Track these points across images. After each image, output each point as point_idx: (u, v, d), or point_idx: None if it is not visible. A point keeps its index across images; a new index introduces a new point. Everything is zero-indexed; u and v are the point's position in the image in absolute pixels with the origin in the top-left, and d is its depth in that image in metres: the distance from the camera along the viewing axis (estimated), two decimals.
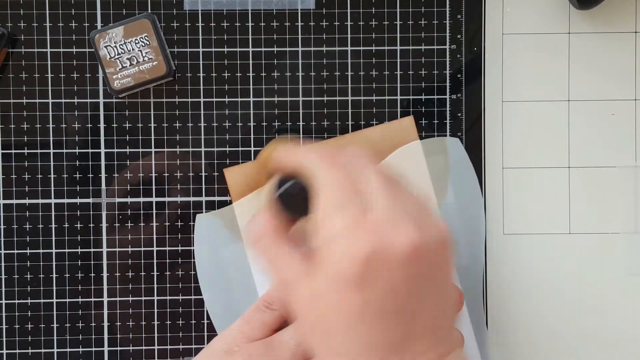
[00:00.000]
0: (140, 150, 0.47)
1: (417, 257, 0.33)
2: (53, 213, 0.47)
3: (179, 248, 0.47)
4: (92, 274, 0.47)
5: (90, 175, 0.47)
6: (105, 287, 0.47)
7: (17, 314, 0.47)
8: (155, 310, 0.47)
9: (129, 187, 0.47)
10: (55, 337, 0.47)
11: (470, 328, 0.46)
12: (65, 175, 0.47)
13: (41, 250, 0.47)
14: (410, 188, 0.36)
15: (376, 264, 0.32)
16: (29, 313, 0.47)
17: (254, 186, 0.46)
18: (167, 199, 0.47)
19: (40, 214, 0.47)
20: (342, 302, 0.33)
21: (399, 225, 0.33)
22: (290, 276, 0.35)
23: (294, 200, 0.37)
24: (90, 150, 0.47)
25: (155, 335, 0.47)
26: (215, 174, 0.47)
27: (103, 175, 0.47)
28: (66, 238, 0.47)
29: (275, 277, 0.37)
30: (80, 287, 0.47)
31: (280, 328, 0.42)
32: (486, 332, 0.47)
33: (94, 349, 0.47)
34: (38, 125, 0.47)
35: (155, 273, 0.47)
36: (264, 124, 0.47)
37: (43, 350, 0.47)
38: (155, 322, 0.47)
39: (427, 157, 0.46)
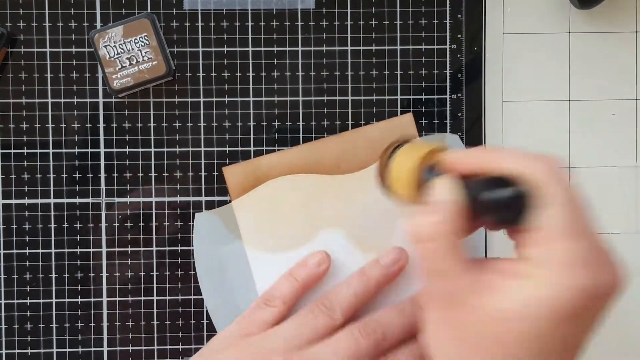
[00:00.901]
0: (140, 150, 0.47)
1: (614, 298, 0.32)
2: (52, 213, 0.46)
3: (179, 248, 0.47)
4: (92, 274, 0.47)
5: (90, 175, 0.47)
6: (104, 287, 0.47)
7: (16, 314, 0.46)
8: (155, 310, 0.47)
9: (128, 187, 0.47)
10: (54, 337, 0.47)
11: None
12: (64, 175, 0.46)
13: (40, 250, 0.46)
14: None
15: (591, 302, 0.31)
16: (28, 313, 0.47)
17: (253, 184, 0.46)
18: (166, 199, 0.47)
19: (40, 213, 0.46)
20: (545, 333, 0.31)
21: (609, 264, 0.32)
22: (459, 289, 0.32)
23: (504, 205, 0.32)
24: (89, 150, 0.47)
25: (155, 335, 0.47)
26: (215, 173, 0.47)
27: (102, 175, 0.47)
28: (65, 238, 0.46)
29: (434, 285, 0.34)
30: (79, 287, 0.47)
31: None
32: None
33: (93, 349, 0.47)
34: (37, 125, 0.46)
35: (154, 273, 0.47)
36: (264, 123, 0.47)
37: (42, 351, 0.46)
38: (155, 322, 0.47)
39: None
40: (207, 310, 0.46)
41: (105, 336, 0.47)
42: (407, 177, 0.37)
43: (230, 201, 0.46)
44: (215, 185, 0.47)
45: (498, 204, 0.32)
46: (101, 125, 0.47)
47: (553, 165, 0.33)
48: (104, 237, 0.47)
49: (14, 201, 0.46)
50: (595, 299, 0.31)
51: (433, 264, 0.34)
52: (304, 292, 0.44)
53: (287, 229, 0.46)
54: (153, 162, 0.47)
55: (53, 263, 0.46)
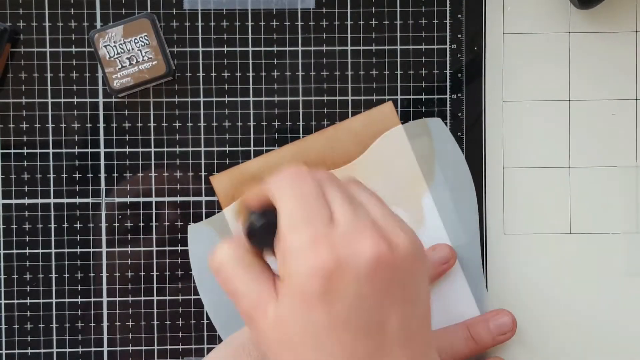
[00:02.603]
0: (140, 150, 0.47)
1: (382, 267, 0.32)
2: (52, 213, 0.46)
3: (179, 248, 0.47)
4: (92, 274, 0.47)
5: (90, 175, 0.46)
6: (104, 287, 0.47)
7: (16, 314, 0.46)
8: (155, 310, 0.47)
9: (128, 187, 0.47)
10: (54, 337, 0.47)
11: (475, 307, 0.46)
12: (64, 175, 0.46)
13: (40, 250, 0.46)
14: (375, 195, 0.36)
15: (340, 278, 0.32)
16: (28, 313, 0.47)
17: (242, 190, 0.46)
18: (166, 199, 0.47)
19: (40, 213, 0.46)
20: (310, 320, 0.32)
21: (363, 237, 0.32)
22: (253, 304, 0.34)
23: (265, 232, 0.35)
24: (89, 150, 0.47)
25: (155, 335, 0.47)
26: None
27: (102, 175, 0.47)
28: (65, 238, 0.46)
29: (238, 308, 0.36)
30: (79, 287, 0.47)
31: None
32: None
33: (93, 349, 0.47)
34: (37, 125, 0.46)
35: (154, 273, 0.47)
36: (264, 123, 0.47)
37: (42, 351, 0.46)
38: (155, 322, 0.47)
39: (411, 140, 0.46)
40: (206, 310, 0.46)
41: (105, 336, 0.47)
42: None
43: (220, 209, 0.46)
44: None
45: (253, 232, 0.35)
46: (101, 125, 0.47)
47: (285, 175, 0.35)
48: (104, 237, 0.47)
49: (14, 201, 0.46)
50: (336, 275, 0.32)
51: (228, 286, 0.35)
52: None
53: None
54: (153, 162, 0.47)
55: (53, 263, 0.46)
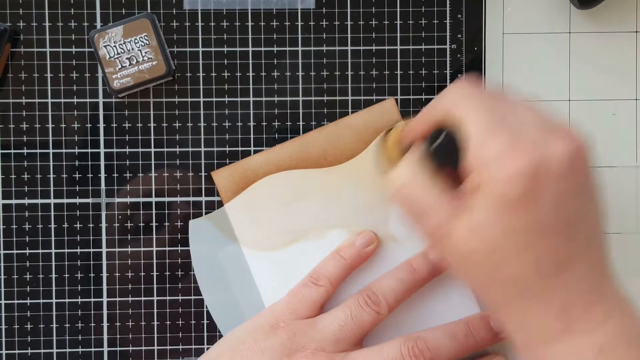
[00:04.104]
0: (140, 150, 0.47)
1: (576, 165, 0.33)
2: (52, 213, 0.46)
3: (179, 248, 0.47)
4: (92, 274, 0.47)
5: (90, 175, 0.46)
6: (104, 287, 0.47)
7: (16, 314, 0.46)
8: (155, 310, 0.47)
9: (128, 187, 0.47)
10: (54, 338, 0.47)
11: (475, 305, 0.46)
12: (64, 175, 0.46)
13: (40, 251, 0.46)
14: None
15: (541, 179, 0.32)
16: (28, 313, 0.47)
17: (243, 186, 0.46)
18: (166, 199, 0.47)
19: (40, 214, 0.46)
20: (511, 226, 0.33)
21: (552, 137, 0.33)
22: (441, 221, 0.35)
23: (448, 151, 0.36)
24: (89, 150, 0.47)
25: (155, 335, 0.47)
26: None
27: (102, 175, 0.47)
28: (65, 238, 0.46)
29: (424, 229, 0.36)
30: (79, 288, 0.47)
31: (328, 305, 0.43)
32: None
33: (93, 349, 0.47)
34: (37, 125, 0.46)
35: (154, 273, 0.47)
36: (264, 123, 0.47)
37: (42, 351, 0.46)
38: (155, 322, 0.47)
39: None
40: (207, 310, 0.47)
41: (105, 336, 0.47)
42: (393, 158, 0.43)
43: (221, 204, 0.46)
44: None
45: (440, 152, 0.36)
46: (101, 125, 0.47)
47: (463, 93, 0.36)
48: (104, 237, 0.47)
49: (14, 201, 0.46)
50: (538, 177, 0.32)
51: (413, 206, 0.36)
52: (351, 271, 0.45)
53: (281, 226, 0.46)
54: (153, 162, 0.47)
55: (53, 263, 0.46)
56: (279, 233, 0.46)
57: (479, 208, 0.33)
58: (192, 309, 0.47)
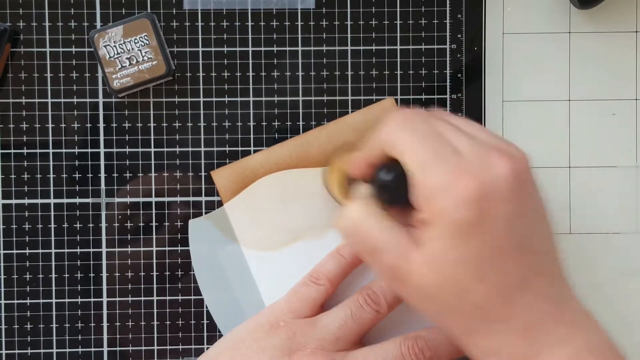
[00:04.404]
0: (140, 150, 0.47)
1: (520, 183, 0.33)
2: (52, 213, 0.46)
3: (179, 248, 0.47)
4: (92, 274, 0.47)
5: (90, 175, 0.46)
6: (104, 287, 0.47)
7: (16, 314, 0.46)
8: (155, 310, 0.47)
9: (128, 187, 0.47)
10: (54, 338, 0.47)
11: None
12: (64, 175, 0.46)
13: (40, 251, 0.46)
14: (468, 120, 0.37)
15: (486, 203, 0.32)
16: (28, 313, 0.46)
17: (242, 185, 0.46)
18: (166, 199, 0.47)
19: (40, 214, 0.46)
20: (464, 253, 0.33)
21: (492, 159, 0.33)
22: (395, 258, 0.35)
23: (395, 186, 0.35)
24: (89, 150, 0.47)
25: (155, 335, 0.47)
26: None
27: (102, 175, 0.47)
28: (65, 238, 0.46)
29: (378, 267, 0.36)
30: (79, 287, 0.47)
31: (328, 304, 0.43)
32: None
33: (93, 349, 0.47)
34: (37, 125, 0.46)
35: (154, 273, 0.47)
36: (264, 123, 0.47)
37: (42, 351, 0.46)
38: (155, 322, 0.47)
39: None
40: (207, 310, 0.46)
41: (105, 336, 0.47)
42: (338, 190, 0.44)
43: (221, 202, 0.46)
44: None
45: (385, 189, 0.36)
46: (101, 125, 0.47)
47: (398, 121, 0.35)
48: (104, 237, 0.47)
49: (14, 201, 0.46)
50: (485, 199, 0.32)
51: (366, 244, 0.36)
52: (351, 270, 0.45)
53: (281, 225, 0.46)
54: (153, 162, 0.47)
55: (53, 263, 0.46)
56: (278, 232, 0.46)
57: (431, 240, 0.33)
58: (192, 309, 0.47)
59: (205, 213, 0.46)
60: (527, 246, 0.34)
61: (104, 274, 0.47)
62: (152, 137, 0.47)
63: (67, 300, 0.47)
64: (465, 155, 0.33)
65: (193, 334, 0.47)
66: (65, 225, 0.46)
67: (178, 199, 0.47)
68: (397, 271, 0.35)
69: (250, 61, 0.47)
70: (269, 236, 0.46)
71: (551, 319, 0.34)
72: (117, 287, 0.47)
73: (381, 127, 0.36)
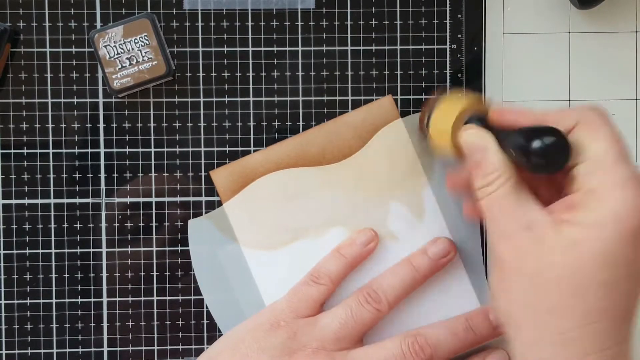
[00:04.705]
0: (140, 150, 0.47)
1: None
2: (52, 213, 0.46)
3: (179, 248, 0.47)
4: (92, 274, 0.47)
5: (90, 175, 0.46)
6: (104, 287, 0.47)
7: (16, 314, 0.46)
8: (155, 311, 0.47)
9: (128, 187, 0.47)
10: (54, 338, 0.47)
11: (475, 300, 0.46)
12: (64, 175, 0.46)
13: (40, 251, 0.46)
14: None
15: None
16: (28, 313, 0.46)
17: (242, 185, 0.46)
18: (166, 199, 0.47)
19: (40, 214, 0.46)
20: (618, 254, 0.31)
21: None
22: (532, 220, 0.33)
23: (549, 154, 0.34)
24: (89, 150, 0.47)
25: (155, 335, 0.47)
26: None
27: (102, 175, 0.47)
28: (65, 238, 0.46)
29: (494, 240, 0.35)
30: (79, 288, 0.47)
31: (328, 303, 0.43)
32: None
33: (93, 349, 0.47)
34: (37, 125, 0.46)
35: (154, 273, 0.47)
36: (264, 123, 0.47)
37: (42, 351, 0.46)
38: (155, 322, 0.47)
39: (411, 133, 0.46)
40: (207, 310, 0.46)
41: (105, 336, 0.47)
42: (448, 128, 0.39)
43: (220, 202, 0.46)
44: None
45: (545, 151, 0.34)
46: (101, 125, 0.47)
47: (591, 111, 0.35)
48: (104, 237, 0.47)
49: (14, 201, 0.46)
50: None
51: (503, 222, 0.34)
52: (351, 270, 0.45)
53: (281, 225, 0.46)
54: (153, 162, 0.47)
55: (53, 263, 0.46)
56: (278, 232, 0.46)
57: (589, 227, 0.32)
58: (192, 309, 0.47)
59: (205, 213, 0.46)
60: None
61: (104, 274, 0.47)
62: (152, 137, 0.47)
63: (67, 300, 0.47)
64: None
65: (193, 334, 0.47)
66: (65, 225, 0.46)
67: (178, 199, 0.47)
68: (507, 236, 0.34)
69: (250, 61, 0.47)
70: (269, 235, 0.46)
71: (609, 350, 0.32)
72: (117, 287, 0.47)
73: (586, 107, 0.35)
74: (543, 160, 0.34)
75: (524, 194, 0.35)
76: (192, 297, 0.47)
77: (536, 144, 0.34)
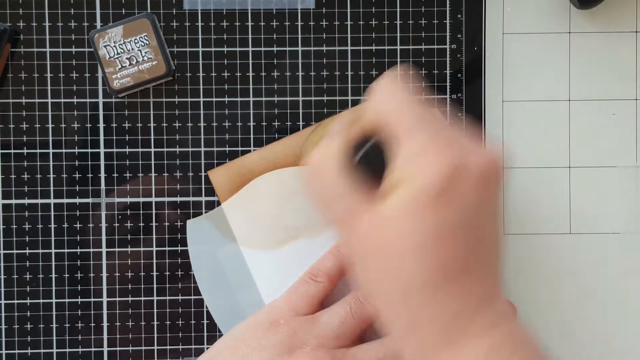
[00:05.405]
0: (140, 150, 0.47)
1: (492, 178, 0.33)
2: (52, 213, 0.46)
3: (179, 248, 0.47)
4: (92, 274, 0.47)
5: (90, 175, 0.46)
6: (104, 287, 0.47)
7: (16, 314, 0.46)
8: (155, 310, 0.47)
9: (128, 187, 0.47)
10: (54, 338, 0.47)
11: None
12: (64, 175, 0.46)
13: (40, 251, 0.46)
14: None
15: (458, 182, 0.32)
16: (28, 313, 0.47)
17: (239, 184, 0.46)
18: (166, 199, 0.47)
19: (40, 214, 0.46)
20: (419, 225, 0.32)
21: (473, 146, 0.33)
22: (349, 211, 0.34)
23: (373, 161, 0.35)
24: (89, 150, 0.47)
25: (155, 335, 0.47)
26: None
27: (102, 175, 0.47)
28: (65, 238, 0.46)
29: (330, 216, 0.36)
30: (79, 288, 0.47)
31: (327, 301, 0.43)
32: None
33: (93, 349, 0.47)
34: (37, 125, 0.46)
35: (154, 273, 0.47)
36: (264, 123, 0.47)
37: (42, 351, 0.46)
38: (155, 322, 0.47)
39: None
40: (207, 310, 0.47)
41: (105, 336, 0.47)
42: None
43: (218, 203, 0.46)
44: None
45: (366, 161, 0.35)
46: (101, 125, 0.47)
47: (381, 95, 0.35)
48: (104, 237, 0.47)
49: (14, 201, 0.46)
50: (455, 178, 0.32)
51: (325, 188, 0.35)
52: (350, 267, 0.45)
53: (279, 224, 0.46)
54: (153, 162, 0.47)
55: (53, 263, 0.46)
56: (277, 231, 0.46)
57: (391, 203, 0.33)
58: (192, 309, 0.47)
59: (205, 213, 0.46)
60: (478, 239, 0.33)
61: (104, 274, 0.47)
62: (152, 137, 0.47)
63: (67, 300, 0.47)
64: (446, 133, 0.33)
65: (193, 334, 0.47)
66: (65, 225, 0.46)
67: (178, 199, 0.47)
68: (344, 224, 0.34)
69: (250, 61, 0.47)
70: (267, 235, 0.46)
71: (475, 313, 0.33)
72: (117, 287, 0.47)
73: (369, 95, 0.36)
74: (368, 169, 0.35)
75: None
76: (192, 297, 0.47)
77: (357, 158, 0.35)
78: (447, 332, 0.33)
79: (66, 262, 0.46)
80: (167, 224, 0.47)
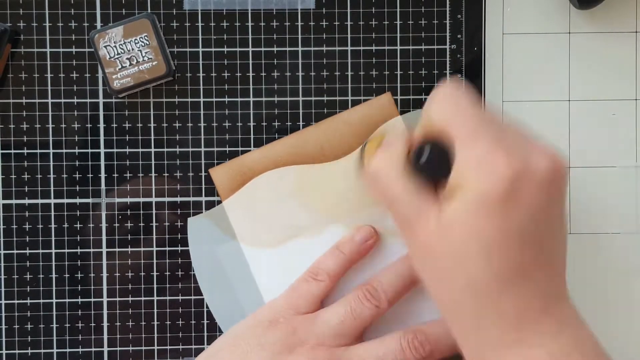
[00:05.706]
0: (140, 150, 0.47)
1: (556, 181, 0.33)
2: (52, 213, 0.46)
3: (179, 248, 0.47)
4: (92, 274, 0.47)
5: (90, 175, 0.47)
6: (104, 287, 0.47)
7: (16, 314, 0.46)
8: (155, 311, 0.47)
9: (128, 187, 0.47)
10: (54, 338, 0.47)
11: None
12: (64, 175, 0.46)
13: (40, 251, 0.46)
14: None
15: (521, 185, 0.32)
16: (29, 313, 0.47)
17: (240, 183, 0.46)
18: (166, 199, 0.47)
19: (40, 214, 0.46)
20: (482, 226, 0.33)
21: (537, 149, 0.33)
22: (410, 212, 0.35)
23: (434, 166, 0.35)
24: (89, 150, 0.47)
25: (155, 335, 0.47)
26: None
27: (102, 175, 0.47)
28: (66, 238, 0.46)
29: (395, 218, 0.36)
30: (79, 288, 0.47)
31: (327, 300, 0.44)
32: None
33: (93, 349, 0.47)
34: (37, 125, 0.46)
35: (154, 273, 0.47)
36: (264, 124, 0.47)
37: (42, 351, 0.46)
38: (155, 322, 0.47)
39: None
40: (207, 310, 0.47)
41: (105, 336, 0.47)
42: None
43: (220, 202, 0.46)
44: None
45: (428, 166, 0.36)
46: (101, 125, 0.47)
47: (441, 103, 0.35)
48: (104, 237, 0.47)
49: (14, 201, 0.46)
50: (520, 181, 0.32)
51: (387, 192, 0.36)
52: (350, 266, 0.45)
53: (280, 222, 0.46)
54: (153, 162, 0.47)
55: (53, 263, 0.46)
56: (277, 229, 0.46)
57: (457, 205, 0.33)
58: (192, 309, 0.47)
59: (206, 211, 0.46)
60: (543, 240, 0.34)
61: (104, 274, 0.47)
62: (152, 137, 0.47)
63: (67, 300, 0.47)
64: (509, 137, 0.34)
65: (193, 334, 0.47)
66: (65, 225, 0.47)
67: (178, 199, 0.47)
68: (408, 227, 0.35)
69: (250, 61, 0.47)
70: (268, 233, 0.46)
71: (542, 314, 0.34)
72: (117, 287, 0.47)
73: (430, 102, 0.36)
74: (429, 174, 0.36)
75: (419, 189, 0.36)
76: (192, 297, 0.47)
77: (420, 163, 0.36)
78: (513, 331, 0.34)
79: (66, 262, 0.47)
80: (167, 224, 0.47)
